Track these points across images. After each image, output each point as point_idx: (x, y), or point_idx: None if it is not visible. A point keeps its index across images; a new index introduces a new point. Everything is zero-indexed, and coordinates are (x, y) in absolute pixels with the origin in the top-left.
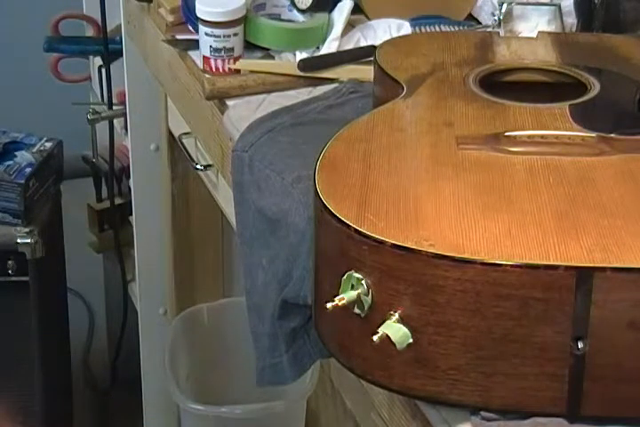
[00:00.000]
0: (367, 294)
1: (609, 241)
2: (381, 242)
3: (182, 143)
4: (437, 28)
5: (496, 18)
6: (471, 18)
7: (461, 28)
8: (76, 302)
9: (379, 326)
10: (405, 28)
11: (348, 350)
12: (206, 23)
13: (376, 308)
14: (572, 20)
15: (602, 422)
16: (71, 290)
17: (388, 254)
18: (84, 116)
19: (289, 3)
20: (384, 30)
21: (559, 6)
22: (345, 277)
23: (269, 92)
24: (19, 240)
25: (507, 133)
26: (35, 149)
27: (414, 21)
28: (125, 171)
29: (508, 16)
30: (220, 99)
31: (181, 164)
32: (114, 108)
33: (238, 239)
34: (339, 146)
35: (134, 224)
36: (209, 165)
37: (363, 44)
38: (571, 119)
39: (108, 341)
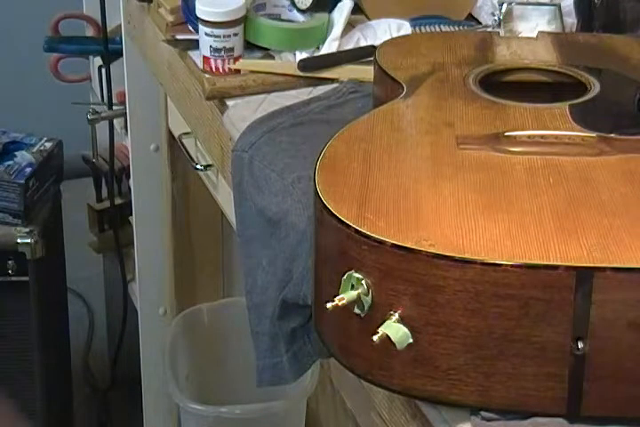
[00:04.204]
0: (367, 294)
1: (609, 241)
2: (381, 242)
3: (182, 143)
4: (437, 28)
5: (496, 18)
6: (471, 18)
7: (461, 28)
8: (76, 302)
9: (379, 326)
10: (405, 28)
11: (348, 350)
12: (206, 23)
13: (376, 308)
14: (572, 20)
15: (602, 422)
16: (71, 290)
17: (388, 254)
18: (84, 116)
19: (289, 3)
20: (384, 30)
21: (559, 6)
22: (345, 277)
23: (269, 92)
24: (19, 240)
25: (507, 133)
26: (35, 149)
27: (414, 21)
28: (125, 171)
29: (508, 16)
30: (220, 99)
31: (181, 164)
32: (114, 108)
33: (238, 239)
34: (339, 146)
35: (134, 224)
36: (209, 165)
37: (363, 44)
38: (571, 119)
39: (107, 341)
